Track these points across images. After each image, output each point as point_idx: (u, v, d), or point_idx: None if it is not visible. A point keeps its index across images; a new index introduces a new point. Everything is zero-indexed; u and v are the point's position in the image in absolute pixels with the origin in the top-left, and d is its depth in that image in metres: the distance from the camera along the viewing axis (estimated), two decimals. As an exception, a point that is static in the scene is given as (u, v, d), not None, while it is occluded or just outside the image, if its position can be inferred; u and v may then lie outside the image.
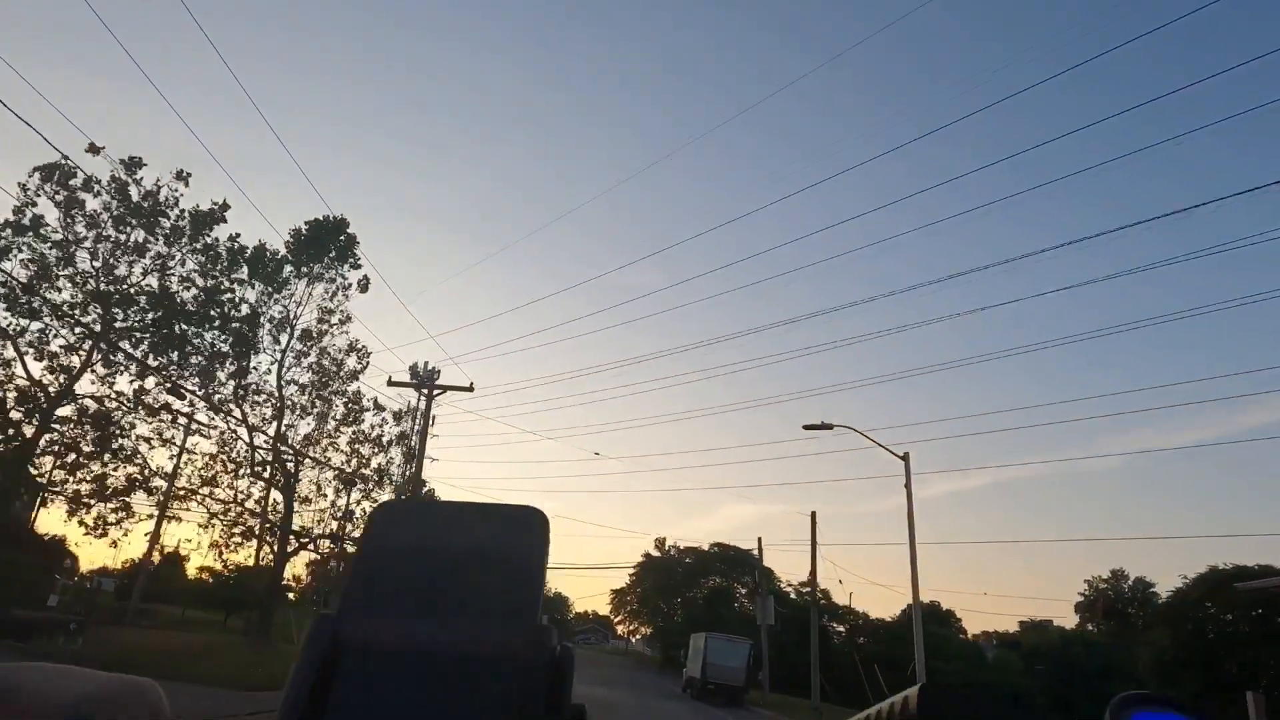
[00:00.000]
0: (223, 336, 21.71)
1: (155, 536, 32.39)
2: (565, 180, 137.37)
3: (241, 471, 23.30)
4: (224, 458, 23.06)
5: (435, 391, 23.36)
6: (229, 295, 22.11)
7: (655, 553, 65.72)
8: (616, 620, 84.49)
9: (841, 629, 60.30)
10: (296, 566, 26.28)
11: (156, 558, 53.20)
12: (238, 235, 21.97)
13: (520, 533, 1.95)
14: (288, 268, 26.15)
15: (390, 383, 23.76)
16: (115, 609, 34.56)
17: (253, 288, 25.78)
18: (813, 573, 26.59)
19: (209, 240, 21.22)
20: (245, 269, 25.48)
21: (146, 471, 20.27)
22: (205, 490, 22.74)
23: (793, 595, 57.86)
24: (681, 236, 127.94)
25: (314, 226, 26.67)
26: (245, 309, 22.89)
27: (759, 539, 37.92)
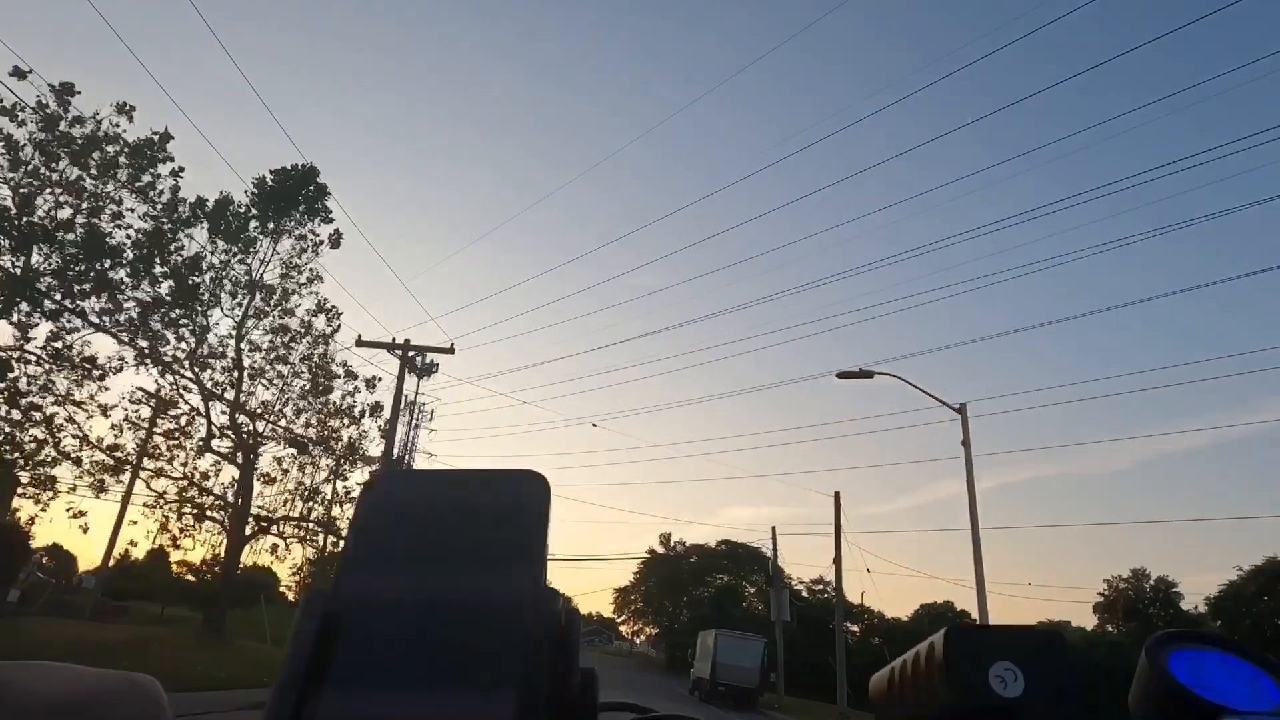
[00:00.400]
0: (165, 286, 19.01)
1: (119, 523, 29.94)
2: (552, 163, 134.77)
3: (189, 442, 20.60)
4: (172, 426, 20.37)
5: (411, 354, 20.64)
6: (174, 240, 19.38)
7: (660, 549, 63.48)
8: (620, 621, 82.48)
9: (855, 629, 57.77)
10: (260, 555, 23.45)
11: (141, 552, 50.39)
12: (182, 170, 19.25)
13: (521, 494, 1.33)
14: (253, 224, 23.57)
15: (360, 342, 21.02)
16: (69, 603, 32.16)
17: (215, 246, 23.23)
18: (837, 559, 23.77)
19: (154, 175, 18.52)
20: (205, 224, 22.96)
21: (61, 435, 17.61)
22: (151, 464, 20.05)
23: (805, 593, 55.57)
24: (679, 228, 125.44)
25: (280, 176, 24.00)
26: (198, 259, 20.17)
27: (773, 528, 35.20)
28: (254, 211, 23.51)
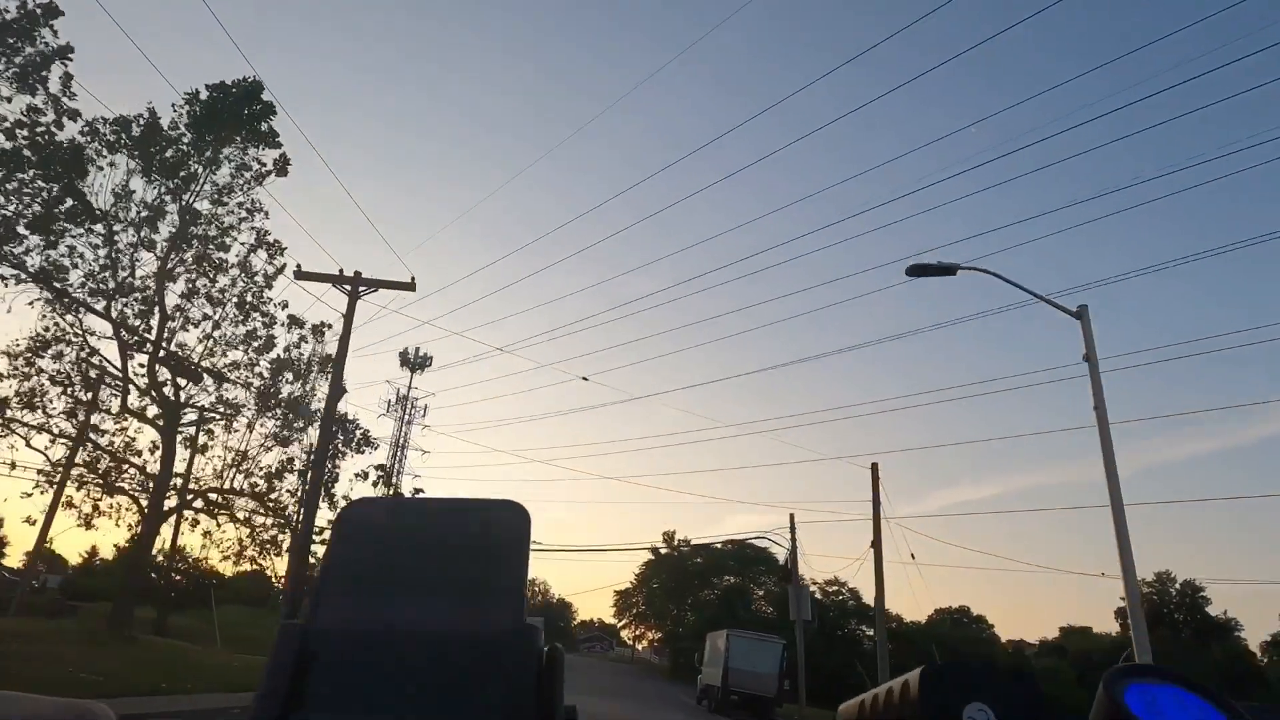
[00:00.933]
0: (43, 184, 15.42)
1: (52, 509, 26.34)
2: (534, 134, 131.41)
3: (86, 394, 16.96)
4: (60, 368, 16.73)
5: (363, 289, 16.95)
6: (58, 132, 15.75)
7: (663, 549, 59.69)
8: (621, 625, 78.93)
9: (869, 632, 54.05)
10: (186, 536, 19.74)
11: (91, 546, 46.54)
12: (71, 52, 15.61)
13: (501, 525, 1.84)
14: (192, 156, 20.05)
15: (299, 274, 17.31)
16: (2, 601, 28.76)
17: (146, 178, 19.71)
18: (876, 540, 19.90)
19: (33, 50, 14.90)
20: (130, 151, 19.44)
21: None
22: (32, 417, 16.41)
23: (819, 595, 51.93)
24: (677, 201, 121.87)
25: (219, 91, 20.39)
26: (80, 151, 16.53)
27: (790, 515, 31.35)
28: (187, 135, 19.98)
